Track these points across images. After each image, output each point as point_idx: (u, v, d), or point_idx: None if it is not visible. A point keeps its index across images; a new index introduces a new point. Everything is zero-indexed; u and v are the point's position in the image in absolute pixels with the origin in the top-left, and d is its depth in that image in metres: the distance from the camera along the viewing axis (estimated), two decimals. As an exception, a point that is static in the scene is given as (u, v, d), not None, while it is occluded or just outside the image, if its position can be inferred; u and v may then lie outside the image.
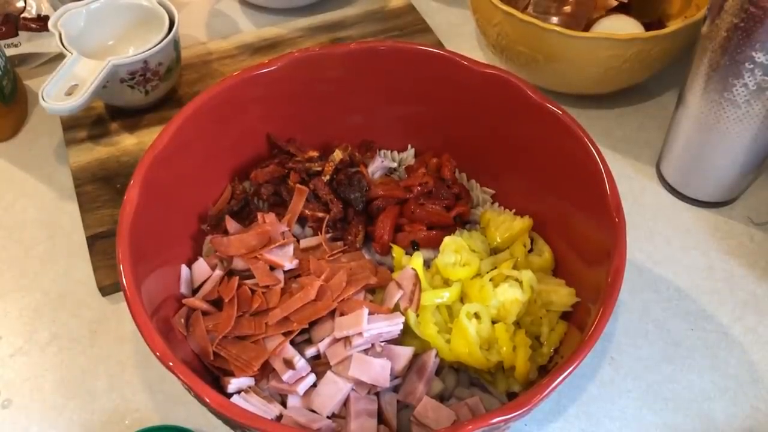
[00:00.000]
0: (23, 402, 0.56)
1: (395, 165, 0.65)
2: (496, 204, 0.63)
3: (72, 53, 0.67)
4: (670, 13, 0.78)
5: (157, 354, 0.43)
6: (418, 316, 0.53)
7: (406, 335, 0.53)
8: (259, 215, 0.57)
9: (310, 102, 0.62)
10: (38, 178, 0.71)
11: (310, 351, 0.50)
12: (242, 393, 0.49)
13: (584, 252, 0.54)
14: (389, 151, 0.66)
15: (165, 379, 0.56)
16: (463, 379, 0.53)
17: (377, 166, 0.63)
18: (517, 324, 0.54)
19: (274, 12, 0.88)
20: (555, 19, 0.73)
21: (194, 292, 0.55)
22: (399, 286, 0.53)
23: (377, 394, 0.50)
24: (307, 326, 0.51)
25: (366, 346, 0.50)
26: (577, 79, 0.71)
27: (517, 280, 0.54)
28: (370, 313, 0.50)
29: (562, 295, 0.54)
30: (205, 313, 0.53)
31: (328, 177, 0.60)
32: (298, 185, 0.59)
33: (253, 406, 0.48)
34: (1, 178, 0.71)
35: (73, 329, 0.60)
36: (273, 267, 0.54)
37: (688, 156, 0.65)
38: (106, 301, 0.61)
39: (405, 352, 0.50)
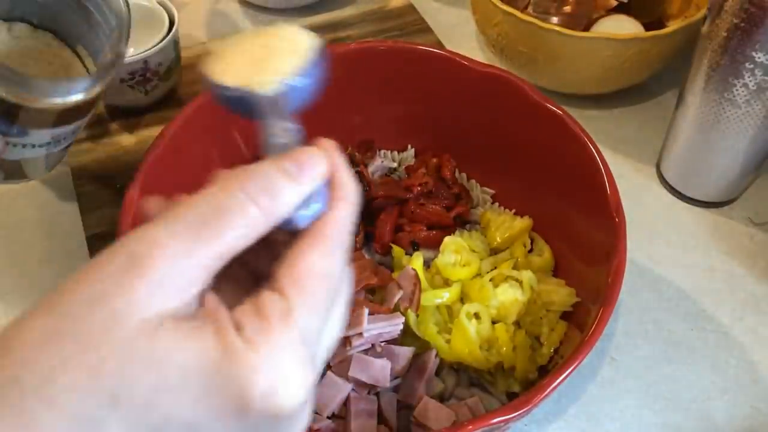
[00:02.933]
0: (23, 402, 0.56)
1: (395, 165, 0.65)
2: (496, 204, 0.63)
3: (72, 53, 0.67)
4: (670, 13, 0.78)
5: (157, 354, 0.43)
6: (418, 316, 0.53)
7: (406, 335, 0.53)
8: (259, 215, 0.57)
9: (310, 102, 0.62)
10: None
11: (310, 351, 0.50)
12: (242, 393, 0.49)
13: (584, 252, 0.54)
14: (389, 151, 0.66)
15: (165, 379, 0.56)
16: (463, 379, 0.53)
17: (377, 166, 0.63)
18: (517, 324, 0.54)
19: (274, 12, 0.88)
20: (555, 19, 0.73)
21: (194, 292, 0.55)
22: (399, 286, 0.53)
23: (377, 394, 0.50)
24: (307, 326, 0.51)
25: (366, 346, 0.50)
26: (577, 79, 0.71)
27: (517, 280, 0.54)
28: (370, 313, 0.50)
29: (562, 295, 0.54)
30: (205, 313, 0.52)
31: (328, 177, 0.60)
32: (298, 185, 0.59)
33: (253, 406, 0.48)
34: (1, 178, 0.71)
35: (73, 329, 0.60)
36: (273, 267, 0.54)
37: (688, 156, 0.65)
38: (106, 301, 0.61)
39: (405, 352, 0.50)
